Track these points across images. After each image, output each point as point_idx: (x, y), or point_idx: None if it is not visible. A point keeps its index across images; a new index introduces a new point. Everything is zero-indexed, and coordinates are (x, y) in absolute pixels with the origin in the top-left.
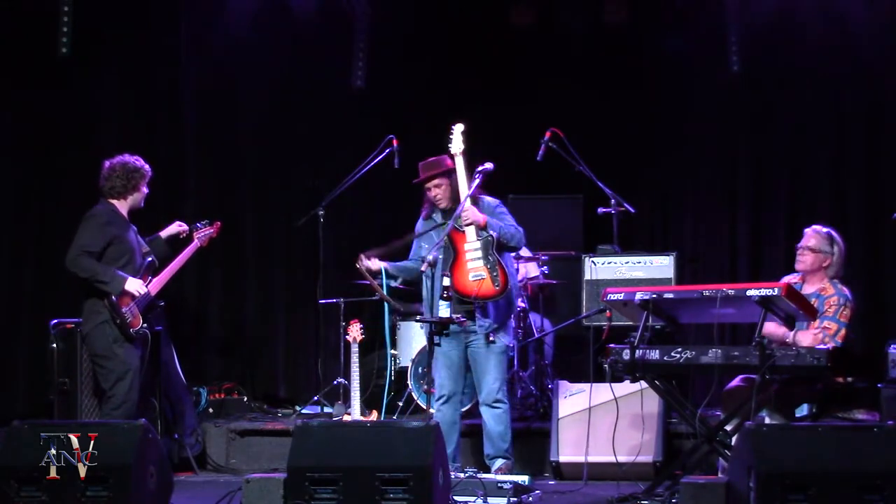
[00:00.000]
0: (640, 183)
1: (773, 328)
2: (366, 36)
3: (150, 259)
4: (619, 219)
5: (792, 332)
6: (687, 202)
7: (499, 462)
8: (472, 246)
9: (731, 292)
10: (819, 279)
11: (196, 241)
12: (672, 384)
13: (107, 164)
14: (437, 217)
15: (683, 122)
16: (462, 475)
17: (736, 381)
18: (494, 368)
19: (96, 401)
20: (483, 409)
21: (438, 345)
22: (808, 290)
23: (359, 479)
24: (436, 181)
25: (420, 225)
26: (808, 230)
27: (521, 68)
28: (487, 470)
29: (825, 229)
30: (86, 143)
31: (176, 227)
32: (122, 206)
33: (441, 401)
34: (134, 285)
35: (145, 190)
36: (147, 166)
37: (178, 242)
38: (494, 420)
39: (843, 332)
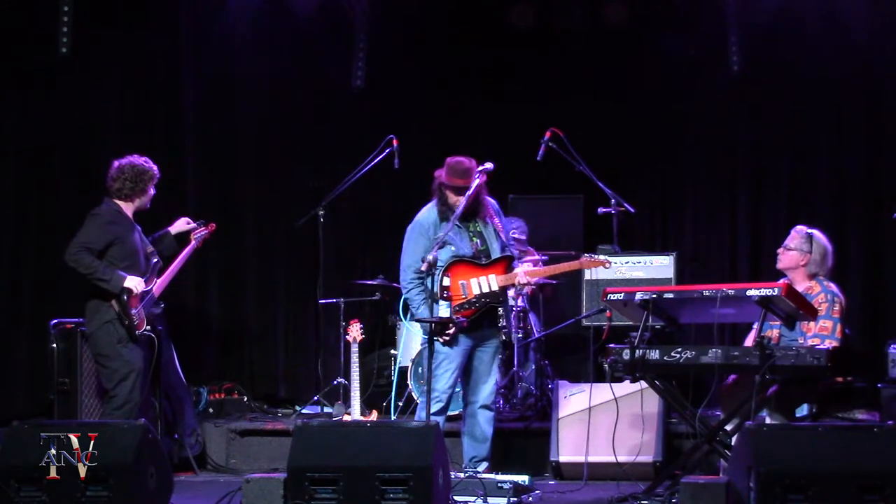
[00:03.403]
0: (640, 183)
1: None
2: (366, 36)
3: (154, 261)
4: (619, 219)
5: None
6: (687, 202)
7: (485, 464)
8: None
9: (731, 292)
10: (802, 278)
11: (193, 241)
12: (672, 384)
13: (115, 164)
14: (454, 219)
15: (683, 122)
16: (462, 475)
17: (730, 379)
18: (496, 371)
19: (98, 401)
20: (480, 412)
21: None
22: None
23: (359, 479)
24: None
25: (441, 229)
26: (792, 230)
27: (521, 68)
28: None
29: (807, 229)
30: (86, 144)
31: (184, 225)
32: (128, 207)
33: (437, 409)
34: (133, 281)
35: (152, 192)
36: (155, 168)
37: (179, 241)
38: (488, 423)
39: (838, 327)
